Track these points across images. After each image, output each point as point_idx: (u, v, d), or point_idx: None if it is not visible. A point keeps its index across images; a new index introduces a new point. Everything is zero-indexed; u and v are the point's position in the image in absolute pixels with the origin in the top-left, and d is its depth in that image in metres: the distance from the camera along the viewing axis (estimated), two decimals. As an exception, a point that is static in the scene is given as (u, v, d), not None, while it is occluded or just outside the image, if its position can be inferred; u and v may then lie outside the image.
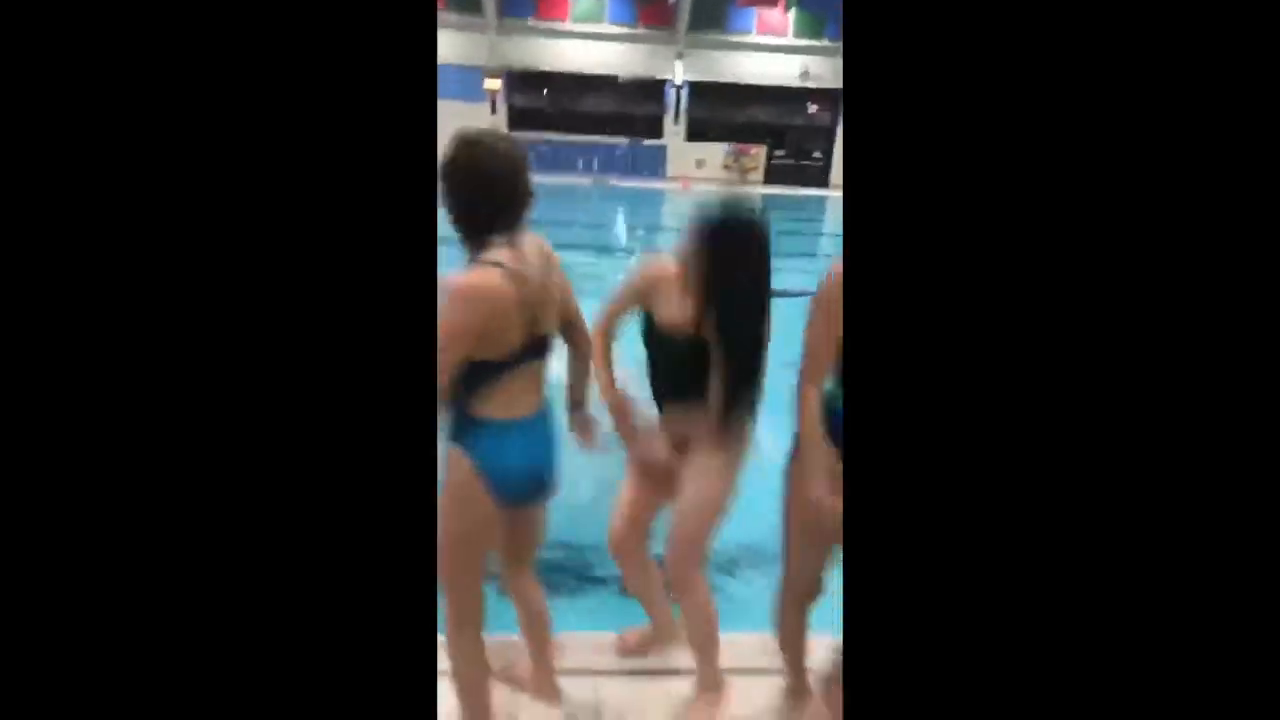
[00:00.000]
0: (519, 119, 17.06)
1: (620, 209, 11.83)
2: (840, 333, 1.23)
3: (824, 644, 1.74)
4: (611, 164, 16.49)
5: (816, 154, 17.87)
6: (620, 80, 17.05)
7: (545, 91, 17.25)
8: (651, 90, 17.21)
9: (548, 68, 16.87)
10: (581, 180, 15.33)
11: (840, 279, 1.22)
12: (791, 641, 1.57)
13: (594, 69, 17.07)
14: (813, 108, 17.86)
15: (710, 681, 1.60)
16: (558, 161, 16.37)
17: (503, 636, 1.67)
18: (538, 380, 1.32)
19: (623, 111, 17.71)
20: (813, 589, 1.48)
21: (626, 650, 1.79)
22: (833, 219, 12.02)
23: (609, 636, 1.84)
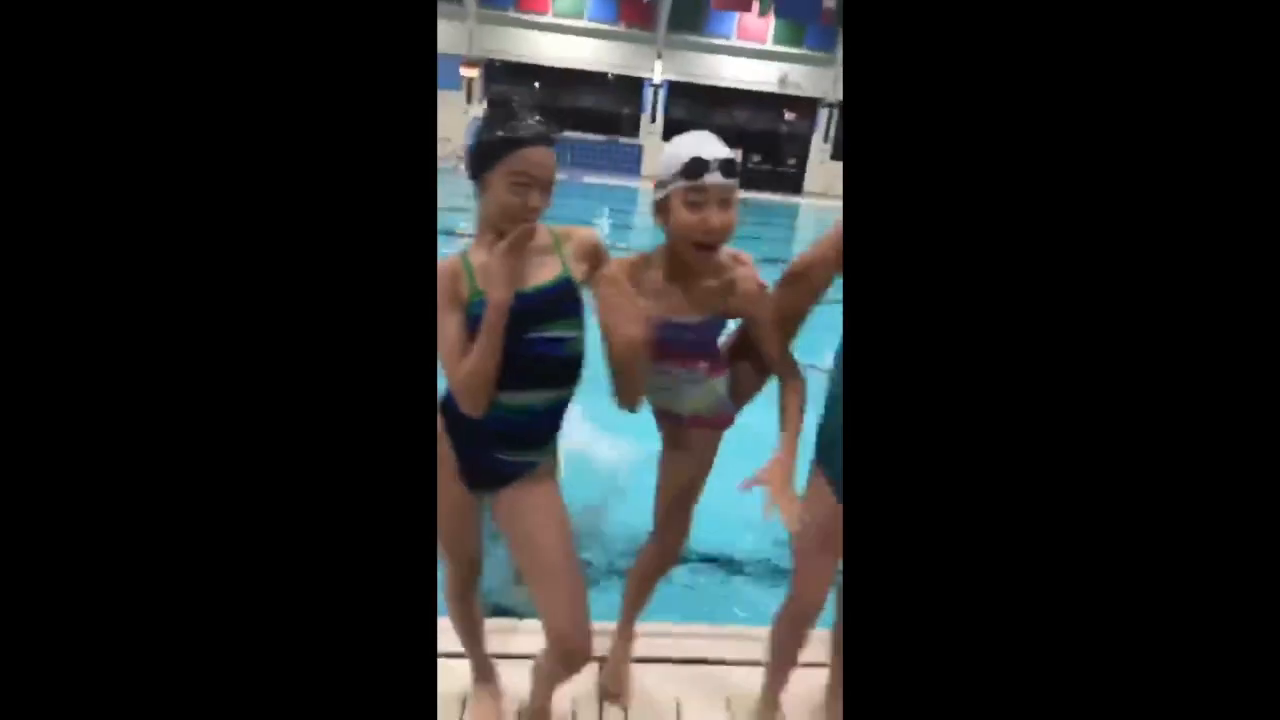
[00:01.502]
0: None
1: (606, 208, 11.83)
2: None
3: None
4: (587, 160, 16.41)
5: (791, 161, 18.05)
6: (610, 77, 16.97)
7: (536, 85, 17.06)
8: (631, 89, 17.18)
9: (527, 60, 16.72)
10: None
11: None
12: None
13: (573, 64, 16.97)
14: (790, 115, 18.04)
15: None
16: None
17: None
18: None
19: (601, 109, 17.65)
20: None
21: None
22: (803, 226, 12.16)
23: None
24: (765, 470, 1.28)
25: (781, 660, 1.51)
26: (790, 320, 1.38)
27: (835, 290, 1.34)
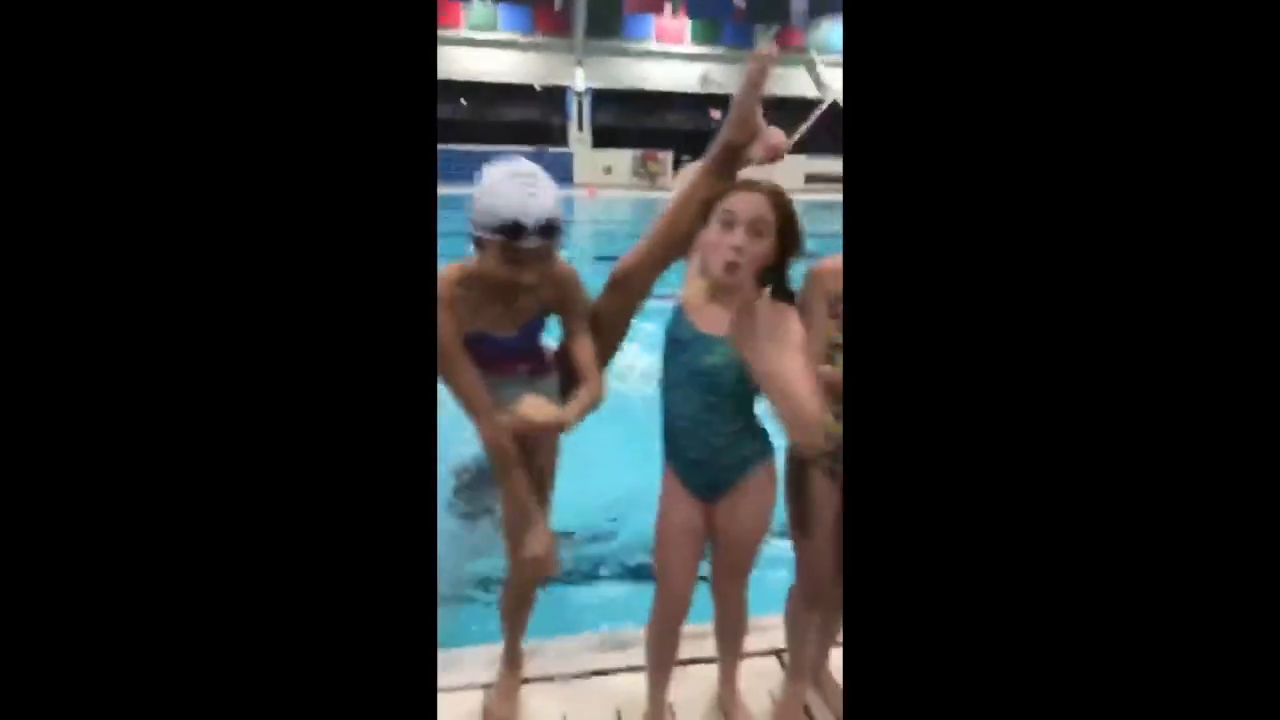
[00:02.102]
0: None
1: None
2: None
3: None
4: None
5: (720, 159, 18.22)
6: (538, 89, 16.83)
7: (463, 101, 16.79)
8: (555, 98, 17.06)
9: (444, 76, 16.41)
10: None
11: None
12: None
13: (491, 77, 16.74)
14: (715, 114, 18.23)
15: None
16: (460, 171, 15.86)
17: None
18: None
19: (531, 120, 17.46)
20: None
21: None
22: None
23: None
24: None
25: (659, 661, 1.52)
26: (615, 326, 1.40)
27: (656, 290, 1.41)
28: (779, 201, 1.20)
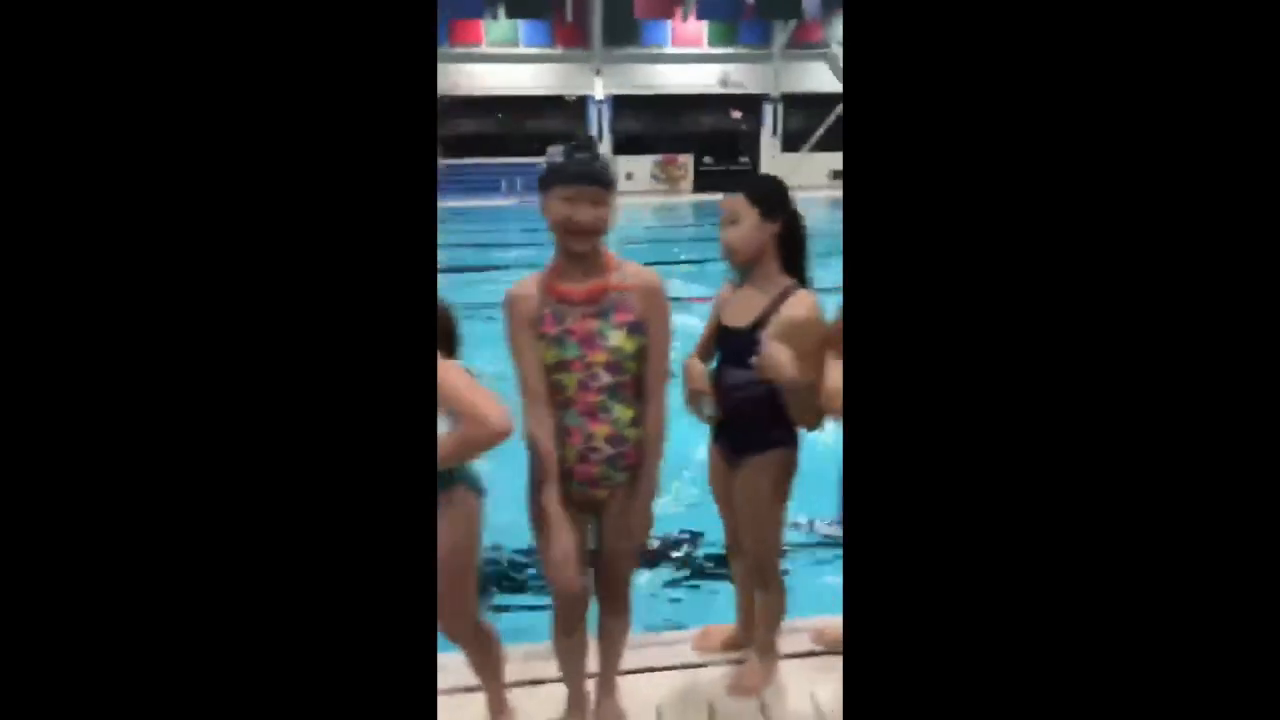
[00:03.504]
0: (448, 145, 16.79)
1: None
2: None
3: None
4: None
5: (744, 159, 18.19)
6: (569, 99, 17.02)
7: (499, 115, 17.08)
8: (576, 109, 17.22)
9: (466, 92, 16.69)
10: (507, 202, 15.17)
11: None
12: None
13: (512, 91, 16.97)
14: (735, 114, 18.21)
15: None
16: (482, 184, 16.17)
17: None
18: None
19: (553, 131, 17.65)
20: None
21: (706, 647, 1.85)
22: (765, 221, 12.21)
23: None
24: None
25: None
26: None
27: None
28: None
